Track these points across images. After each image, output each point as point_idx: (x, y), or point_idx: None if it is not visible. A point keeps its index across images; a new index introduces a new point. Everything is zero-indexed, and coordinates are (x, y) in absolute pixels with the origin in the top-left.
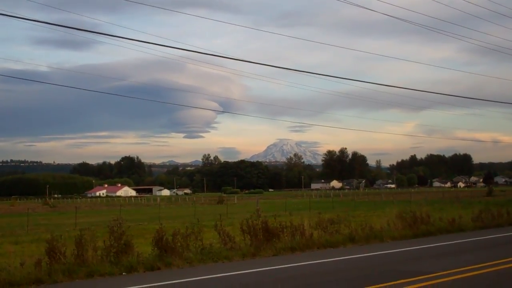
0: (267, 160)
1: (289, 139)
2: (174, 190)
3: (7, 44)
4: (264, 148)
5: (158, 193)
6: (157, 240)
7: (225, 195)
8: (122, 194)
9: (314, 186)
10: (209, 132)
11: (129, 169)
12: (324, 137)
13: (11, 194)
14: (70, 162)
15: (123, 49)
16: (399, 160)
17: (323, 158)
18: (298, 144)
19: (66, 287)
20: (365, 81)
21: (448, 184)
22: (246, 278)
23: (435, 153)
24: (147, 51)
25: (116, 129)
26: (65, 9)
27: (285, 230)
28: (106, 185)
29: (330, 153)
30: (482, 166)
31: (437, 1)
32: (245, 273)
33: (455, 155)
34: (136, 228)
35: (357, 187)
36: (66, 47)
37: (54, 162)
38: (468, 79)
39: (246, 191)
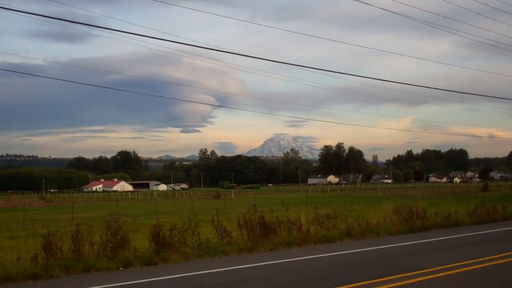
0: (264, 155)
1: (286, 134)
2: (171, 185)
3: (2, 37)
4: (261, 142)
5: (154, 188)
6: (154, 235)
7: (222, 190)
8: (119, 189)
9: (311, 181)
10: (205, 126)
11: (126, 163)
12: (321, 131)
13: (7, 189)
14: (66, 157)
15: (118, 42)
16: (396, 155)
17: (320, 153)
18: (295, 139)
19: (62, 282)
20: (362, 75)
21: (444, 179)
22: (243, 273)
23: (431, 148)
24: (143, 44)
25: (112, 123)
26: (60, 1)
27: (282, 225)
28: (102, 180)
29: (327, 148)
30: (478, 161)
31: None
32: (242, 268)
33: (451, 150)
34: (133, 223)
35: (354, 182)
36: (62, 40)
37: (50, 156)
38: (464, 74)
39: (243, 186)
